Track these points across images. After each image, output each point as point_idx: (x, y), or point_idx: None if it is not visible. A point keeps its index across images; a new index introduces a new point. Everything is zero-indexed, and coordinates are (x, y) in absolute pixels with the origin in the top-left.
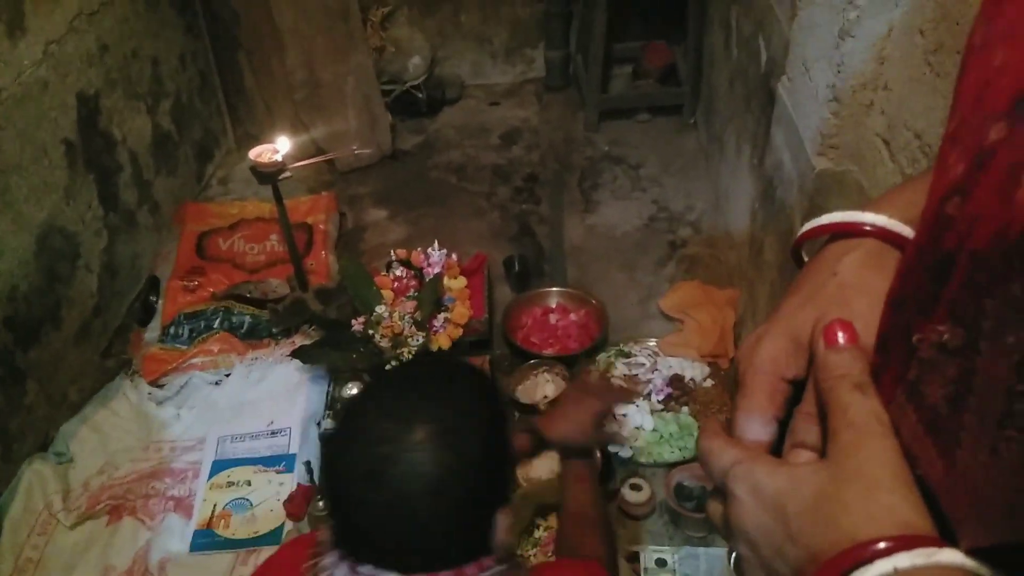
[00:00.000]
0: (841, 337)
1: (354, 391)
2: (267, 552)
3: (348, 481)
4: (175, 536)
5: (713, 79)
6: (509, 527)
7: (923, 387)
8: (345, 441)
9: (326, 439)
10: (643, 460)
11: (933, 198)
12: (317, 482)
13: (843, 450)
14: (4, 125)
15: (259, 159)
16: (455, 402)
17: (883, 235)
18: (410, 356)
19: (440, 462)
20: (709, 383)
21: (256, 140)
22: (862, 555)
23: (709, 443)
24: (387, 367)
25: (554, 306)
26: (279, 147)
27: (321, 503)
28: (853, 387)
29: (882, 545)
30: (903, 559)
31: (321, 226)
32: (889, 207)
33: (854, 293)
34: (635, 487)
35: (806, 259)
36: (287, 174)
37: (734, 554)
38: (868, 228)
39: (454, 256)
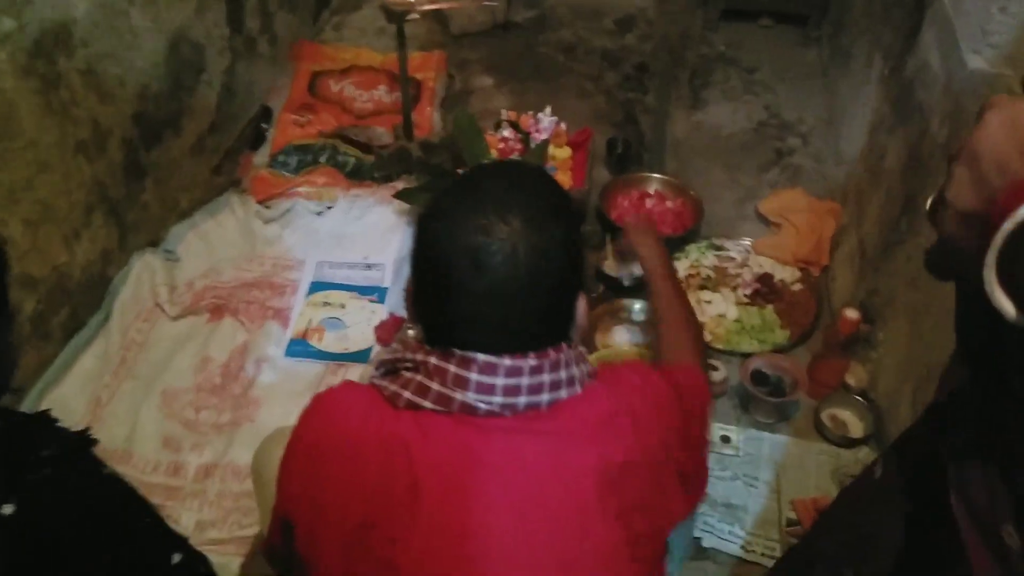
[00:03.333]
0: None
1: None
2: (355, 368)
3: (449, 272)
4: (271, 341)
5: None
6: (586, 311)
7: None
8: (443, 233)
9: (421, 226)
10: (721, 347)
11: None
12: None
13: None
14: None
15: None
16: (538, 193)
17: None
18: None
19: (535, 247)
20: (799, 287)
21: None
22: None
23: (1000, 95)
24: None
25: (652, 192)
26: None
27: (410, 331)
28: None
29: None
30: None
31: (430, 83)
32: None
33: None
34: (711, 367)
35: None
36: (415, 15)
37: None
38: None
39: (563, 125)
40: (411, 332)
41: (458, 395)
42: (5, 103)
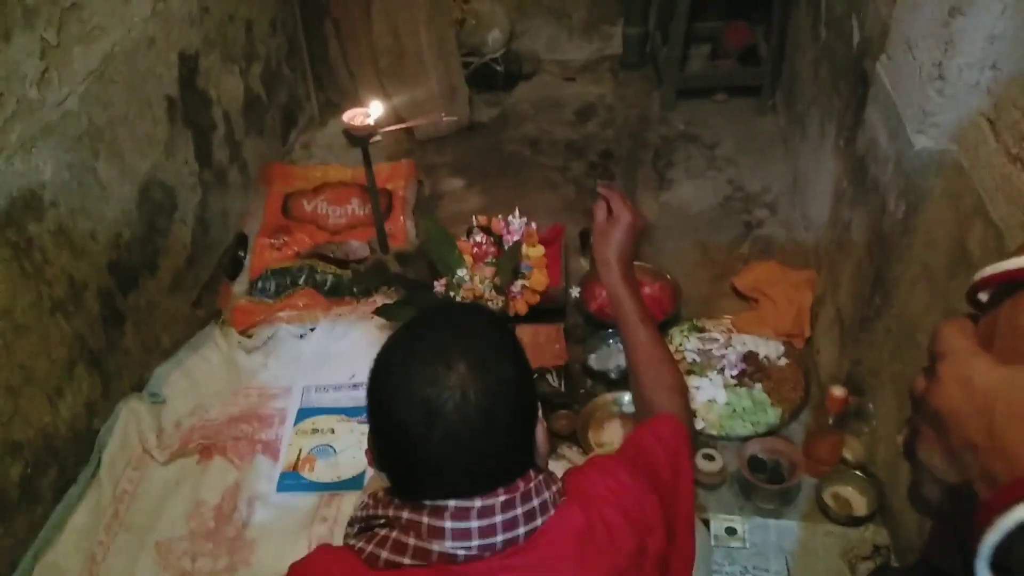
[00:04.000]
0: None
1: None
2: (349, 497)
3: (405, 426)
4: (262, 477)
5: (796, 60)
6: (546, 437)
7: None
8: (393, 390)
9: (372, 382)
10: (715, 433)
11: None
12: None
13: None
14: (115, 78)
15: (352, 122)
16: (481, 335)
17: None
18: None
19: (485, 390)
20: (784, 361)
21: (338, 108)
22: None
23: (951, 327)
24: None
25: None
26: (371, 111)
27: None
28: None
29: None
30: None
31: (400, 192)
32: None
33: None
34: (708, 457)
35: (984, 300)
36: (377, 138)
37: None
38: None
39: (533, 225)
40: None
41: (435, 546)
42: None
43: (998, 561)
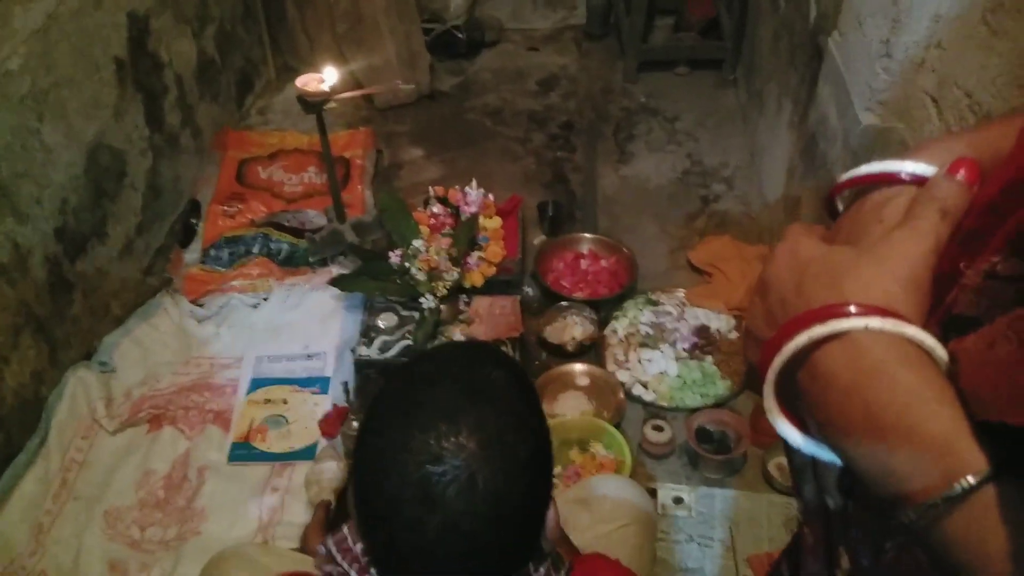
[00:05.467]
0: (960, 174)
1: (386, 323)
2: (301, 466)
3: (396, 504)
4: (213, 446)
5: (757, 34)
6: (556, 523)
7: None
8: (386, 459)
9: (361, 442)
10: (665, 404)
11: None
12: (350, 404)
13: (887, 240)
14: (59, 38)
15: (305, 87)
16: (499, 398)
17: (922, 183)
18: (445, 291)
19: (497, 474)
20: (734, 335)
21: (295, 72)
22: (843, 311)
23: (796, 223)
24: (405, 360)
25: (585, 252)
26: (325, 77)
27: (355, 423)
28: (937, 209)
29: (862, 309)
30: (875, 322)
31: (358, 161)
32: (928, 155)
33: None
34: (657, 428)
35: (840, 209)
36: (332, 104)
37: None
38: (907, 177)
39: (491, 196)
40: (355, 423)
41: None
42: None
43: (783, 396)
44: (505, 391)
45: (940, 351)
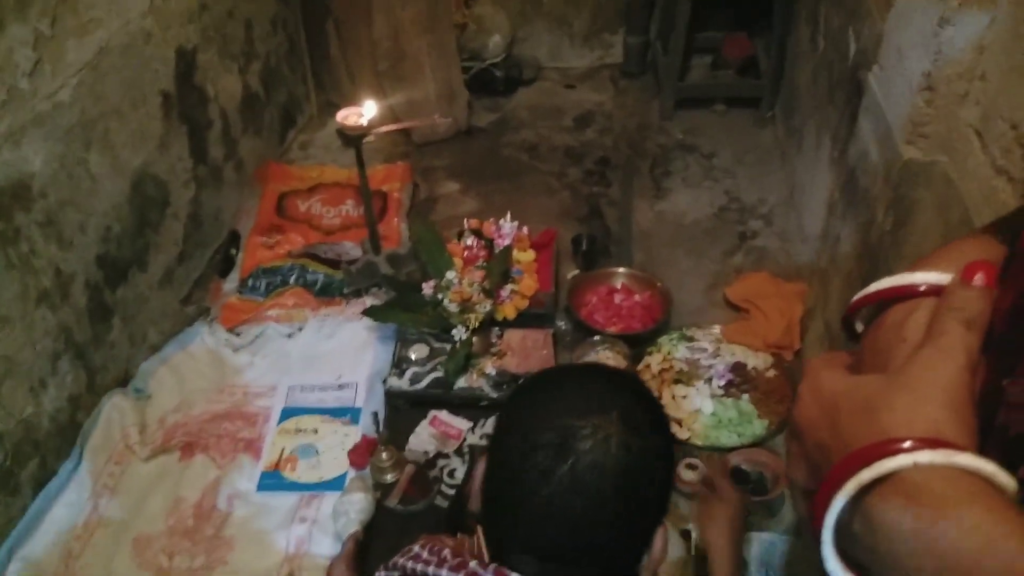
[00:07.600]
0: (978, 279)
1: (417, 354)
2: (330, 498)
3: (534, 449)
4: (243, 475)
5: (795, 72)
6: (662, 551)
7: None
8: (535, 408)
9: (504, 413)
10: (699, 443)
11: None
12: (380, 435)
13: (916, 361)
14: (109, 71)
15: (345, 121)
16: (638, 396)
17: (939, 293)
18: (477, 323)
19: (629, 446)
20: (772, 373)
21: (337, 108)
22: (887, 450)
23: (817, 357)
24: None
25: (619, 286)
26: (364, 111)
27: (384, 454)
28: (961, 321)
29: (908, 444)
30: (924, 456)
31: (395, 194)
32: (940, 263)
33: None
34: (691, 467)
35: (859, 330)
36: (370, 138)
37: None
38: (923, 288)
39: (525, 229)
40: (384, 455)
41: None
42: None
43: (842, 545)
44: (646, 396)
45: (1004, 477)
